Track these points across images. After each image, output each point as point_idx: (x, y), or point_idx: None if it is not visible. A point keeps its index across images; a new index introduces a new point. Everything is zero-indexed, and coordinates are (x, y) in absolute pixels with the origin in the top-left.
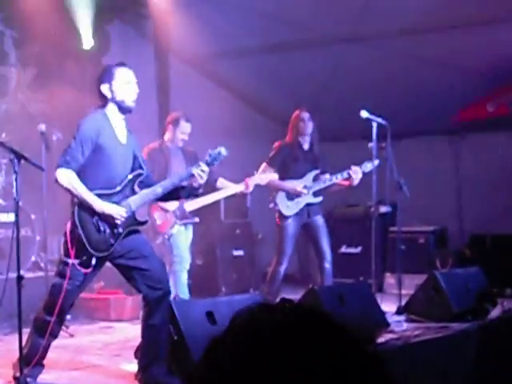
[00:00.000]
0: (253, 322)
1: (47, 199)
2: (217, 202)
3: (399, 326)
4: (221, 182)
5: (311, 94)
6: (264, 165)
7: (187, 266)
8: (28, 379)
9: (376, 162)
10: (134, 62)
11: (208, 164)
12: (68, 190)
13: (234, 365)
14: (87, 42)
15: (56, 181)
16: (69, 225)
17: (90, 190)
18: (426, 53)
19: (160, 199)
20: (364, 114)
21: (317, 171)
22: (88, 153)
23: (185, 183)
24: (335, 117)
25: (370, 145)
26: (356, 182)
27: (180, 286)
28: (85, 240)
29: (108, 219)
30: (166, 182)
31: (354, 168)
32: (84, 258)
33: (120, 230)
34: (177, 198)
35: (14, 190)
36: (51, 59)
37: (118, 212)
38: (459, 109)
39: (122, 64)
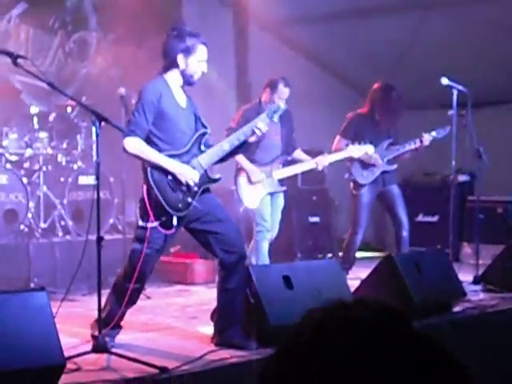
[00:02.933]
0: (329, 317)
1: (126, 162)
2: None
3: (476, 296)
4: (297, 153)
5: (389, 60)
6: (338, 137)
7: (269, 236)
8: (106, 338)
9: (448, 128)
10: (213, 29)
11: (268, 117)
12: (137, 157)
13: (307, 359)
14: (167, 6)
15: (124, 150)
16: (144, 188)
17: (160, 152)
18: (508, 20)
19: (221, 159)
20: (444, 80)
21: (390, 140)
22: (151, 118)
23: (225, 154)
24: (413, 84)
25: (450, 112)
26: (426, 144)
27: (260, 256)
28: (162, 200)
29: (182, 178)
30: (231, 137)
31: (426, 136)
32: (164, 219)
33: (195, 188)
34: (233, 155)
35: (95, 152)
36: (131, 24)
37: (190, 172)
38: None
39: (202, 39)
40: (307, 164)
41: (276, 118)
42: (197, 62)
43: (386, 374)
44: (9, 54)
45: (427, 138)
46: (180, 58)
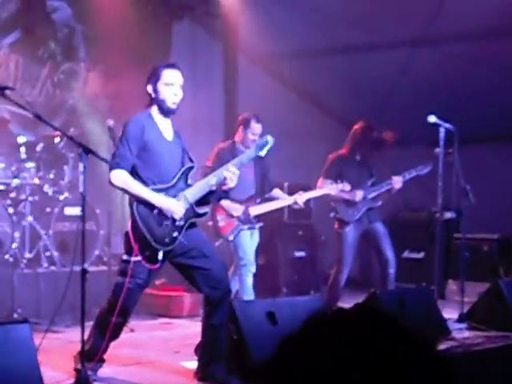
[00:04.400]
0: (327, 322)
1: (113, 194)
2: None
3: (461, 334)
4: (276, 191)
5: (377, 96)
6: (321, 179)
7: (253, 270)
8: (89, 372)
9: (429, 165)
10: (203, 61)
11: (256, 152)
12: (123, 190)
13: (306, 362)
14: (157, 39)
15: (110, 183)
16: (130, 223)
17: (145, 186)
18: (496, 58)
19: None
20: (432, 118)
21: (372, 179)
22: (136, 151)
23: (214, 187)
24: (401, 121)
25: (437, 150)
26: (397, 187)
27: (246, 290)
28: (148, 235)
29: (168, 212)
30: (218, 171)
31: (396, 179)
32: (149, 253)
33: (182, 222)
34: (207, 203)
35: (81, 184)
36: (119, 56)
37: (175, 207)
38: None
39: (169, 65)
40: (284, 201)
41: (263, 153)
42: (164, 85)
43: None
44: None
45: (397, 180)
46: (148, 87)
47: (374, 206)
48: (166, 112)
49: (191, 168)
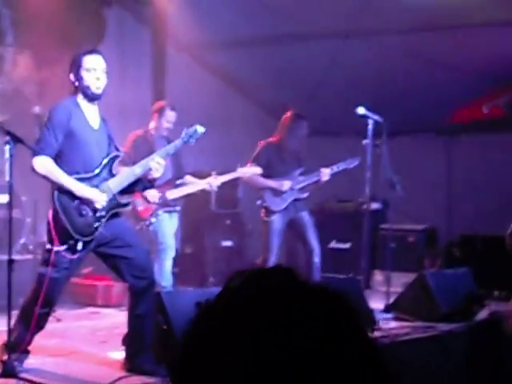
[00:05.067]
0: (247, 287)
1: (39, 181)
2: (207, 192)
3: (387, 324)
4: (188, 178)
5: (307, 87)
6: (249, 165)
7: (172, 254)
8: (15, 363)
9: (357, 159)
10: (131, 48)
11: (184, 142)
12: (45, 177)
13: (223, 328)
14: (84, 26)
15: (33, 169)
16: (50, 211)
17: (69, 174)
18: (424, 51)
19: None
20: (361, 110)
21: (301, 169)
22: (61, 138)
23: (139, 176)
24: (330, 112)
25: (365, 142)
26: (324, 179)
27: (164, 274)
28: (68, 225)
29: (89, 203)
30: (143, 161)
31: (324, 171)
32: (69, 243)
33: (103, 212)
34: (132, 192)
35: (8, 173)
36: (48, 42)
37: (97, 197)
38: (455, 109)
39: (90, 51)
40: (199, 184)
41: (192, 142)
42: (86, 71)
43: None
44: None
45: (325, 173)
46: (71, 76)
47: (301, 196)
48: (91, 98)
49: (116, 157)
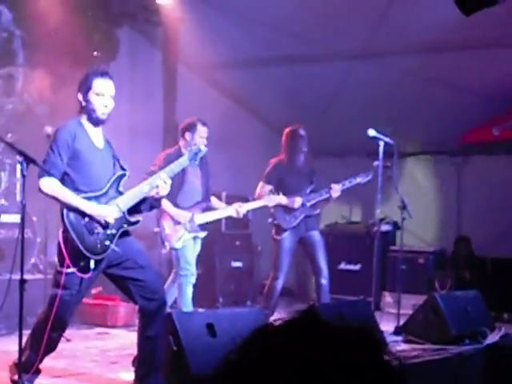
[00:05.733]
0: (272, 335)
1: (49, 201)
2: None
3: (397, 346)
4: (213, 200)
5: (318, 108)
6: (261, 183)
7: (193, 280)
8: (25, 383)
9: (370, 174)
10: (142, 69)
11: (189, 160)
12: (53, 197)
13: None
14: (96, 46)
15: (40, 190)
16: (61, 232)
17: (76, 194)
18: (435, 72)
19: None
20: (371, 132)
21: (312, 186)
22: (66, 158)
23: (145, 195)
24: (340, 132)
25: (376, 163)
26: (335, 195)
27: (185, 300)
28: (79, 244)
29: (99, 220)
30: (150, 179)
31: (335, 187)
32: (81, 263)
33: (113, 230)
34: (139, 211)
35: (19, 193)
36: (59, 62)
37: (107, 212)
38: (465, 130)
39: (101, 74)
40: (227, 211)
41: (197, 161)
42: (95, 95)
43: None
44: None
45: (336, 189)
46: (79, 96)
47: (312, 213)
48: (95, 122)
49: (123, 176)
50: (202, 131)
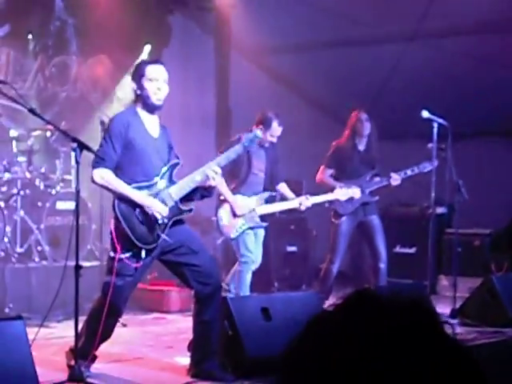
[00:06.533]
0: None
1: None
2: (273, 198)
3: (453, 330)
4: (282, 186)
5: (370, 91)
6: (322, 167)
7: (253, 267)
8: (82, 368)
9: (435, 163)
10: (195, 56)
11: (245, 147)
12: (105, 187)
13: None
14: (148, 34)
15: (93, 181)
16: (112, 221)
17: (129, 183)
18: (489, 53)
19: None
20: (425, 114)
21: (373, 171)
22: (119, 148)
23: (198, 185)
24: (394, 115)
25: (430, 145)
26: (394, 184)
27: (242, 287)
28: (130, 233)
29: (149, 210)
30: (203, 167)
31: (395, 176)
32: (132, 251)
33: (165, 220)
34: (191, 200)
35: (74, 179)
36: (112, 49)
37: (158, 206)
38: None
39: (153, 61)
40: (290, 203)
41: (252, 146)
42: (148, 81)
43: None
44: None
45: (395, 178)
46: (133, 84)
47: (371, 200)
48: (151, 108)
49: (176, 165)
50: (275, 130)
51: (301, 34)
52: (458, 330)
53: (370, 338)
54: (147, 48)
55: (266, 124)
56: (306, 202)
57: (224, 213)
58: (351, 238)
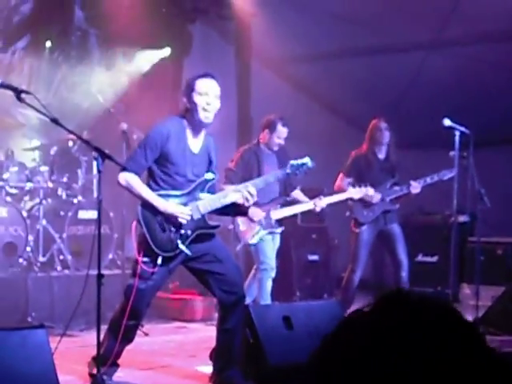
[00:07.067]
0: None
1: (126, 197)
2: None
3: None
4: (296, 193)
5: (391, 99)
6: (341, 175)
7: (272, 274)
8: (104, 377)
9: (454, 170)
10: (216, 64)
11: (287, 174)
12: (128, 190)
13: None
14: (169, 42)
15: (118, 183)
16: (134, 224)
17: (157, 190)
18: (509, 59)
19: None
20: (447, 122)
21: (393, 180)
22: (152, 158)
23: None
24: (415, 124)
25: (452, 153)
26: (414, 192)
27: (264, 294)
28: (149, 239)
29: (172, 219)
30: (239, 187)
31: (414, 184)
32: (149, 256)
33: (188, 232)
34: (226, 214)
35: (96, 189)
36: (133, 59)
37: (181, 211)
38: None
39: (204, 75)
40: (305, 205)
41: (300, 173)
42: (198, 95)
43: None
44: (13, 88)
45: (415, 186)
46: (183, 99)
47: (392, 208)
48: (197, 125)
49: (210, 180)
50: (281, 132)
51: (321, 42)
52: None
53: (403, 341)
54: (167, 51)
55: (271, 127)
56: (320, 202)
57: (241, 219)
58: (372, 246)
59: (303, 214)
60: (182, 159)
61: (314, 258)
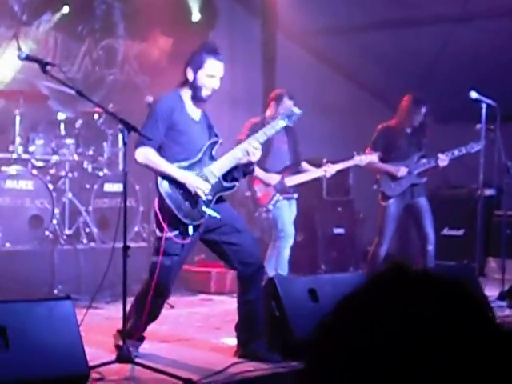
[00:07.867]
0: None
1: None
2: (319, 179)
3: (501, 312)
4: (304, 165)
5: (417, 72)
6: (368, 149)
7: (291, 242)
8: (130, 348)
9: (481, 143)
10: (241, 37)
11: (283, 121)
12: (147, 166)
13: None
14: (195, 14)
15: (135, 161)
16: (156, 200)
17: (171, 163)
18: None
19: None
20: (473, 94)
21: (420, 153)
22: (164, 129)
23: (238, 161)
24: (442, 97)
25: (478, 126)
26: (442, 165)
27: (281, 262)
28: (175, 211)
29: (191, 189)
30: (242, 144)
31: (442, 157)
32: (180, 229)
33: (210, 196)
34: (235, 179)
35: (122, 161)
36: (159, 32)
37: (201, 184)
38: None
39: (214, 54)
40: (316, 172)
41: (289, 122)
42: (205, 76)
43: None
44: (38, 61)
45: (443, 159)
46: (188, 71)
47: (419, 182)
48: (197, 100)
49: (215, 143)
50: (287, 104)
51: (347, 15)
52: (507, 311)
53: (394, 326)
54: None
55: (277, 100)
56: (330, 169)
57: (257, 186)
58: (399, 220)
59: (329, 187)
60: (187, 126)
61: (340, 231)
